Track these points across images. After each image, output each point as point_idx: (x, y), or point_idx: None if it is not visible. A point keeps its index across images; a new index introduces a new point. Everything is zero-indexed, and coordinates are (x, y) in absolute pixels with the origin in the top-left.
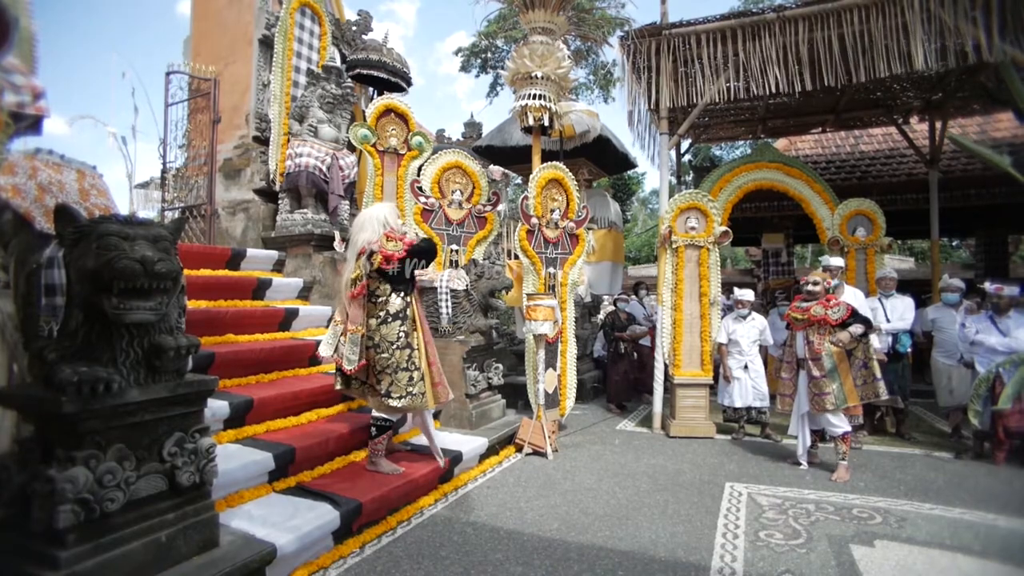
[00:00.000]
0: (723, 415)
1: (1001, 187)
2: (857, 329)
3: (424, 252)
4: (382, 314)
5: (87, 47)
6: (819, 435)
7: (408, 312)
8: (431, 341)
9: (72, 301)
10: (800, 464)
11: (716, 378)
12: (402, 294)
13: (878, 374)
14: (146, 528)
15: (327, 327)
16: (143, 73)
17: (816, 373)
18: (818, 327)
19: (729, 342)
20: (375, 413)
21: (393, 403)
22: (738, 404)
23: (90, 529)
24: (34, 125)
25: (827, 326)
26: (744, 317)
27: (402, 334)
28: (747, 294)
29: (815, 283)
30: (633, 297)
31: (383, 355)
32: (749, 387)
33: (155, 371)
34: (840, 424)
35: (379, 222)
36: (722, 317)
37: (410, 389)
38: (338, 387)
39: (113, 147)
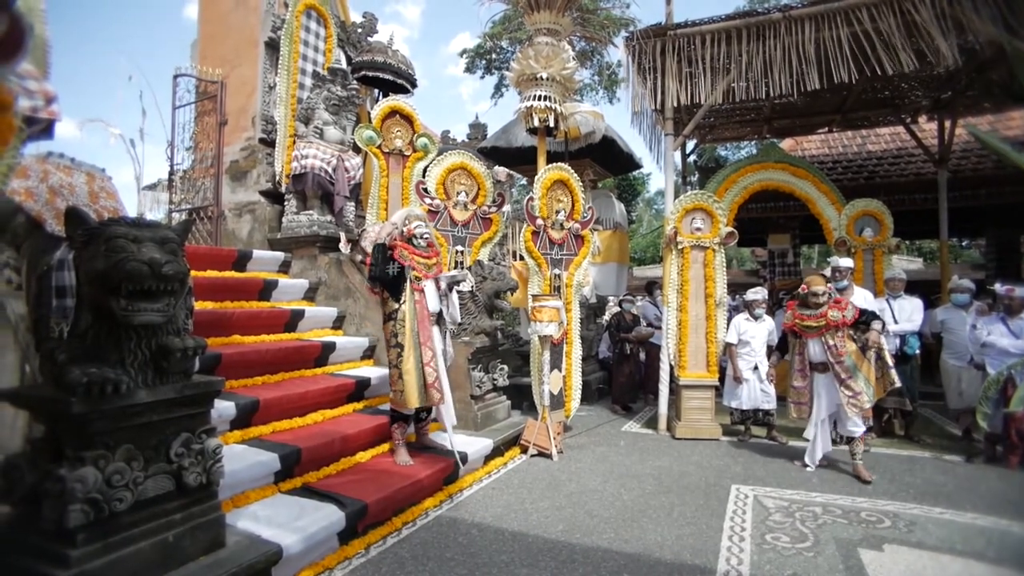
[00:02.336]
0: (730, 417)
1: (1012, 186)
2: (878, 324)
3: (372, 276)
4: (383, 314)
5: (96, 51)
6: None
7: (398, 314)
8: (428, 343)
9: (82, 303)
10: (808, 467)
11: (722, 379)
12: (394, 298)
13: (890, 362)
14: (154, 528)
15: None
16: (151, 76)
17: (844, 376)
18: (835, 330)
19: (739, 343)
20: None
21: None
22: (746, 406)
23: (99, 528)
24: (46, 129)
25: (843, 328)
26: (757, 318)
27: (394, 333)
28: (761, 293)
29: (821, 292)
30: (646, 297)
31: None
32: (757, 389)
33: (162, 372)
34: (861, 424)
35: (391, 226)
36: (729, 318)
37: (394, 386)
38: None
39: (116, 148)
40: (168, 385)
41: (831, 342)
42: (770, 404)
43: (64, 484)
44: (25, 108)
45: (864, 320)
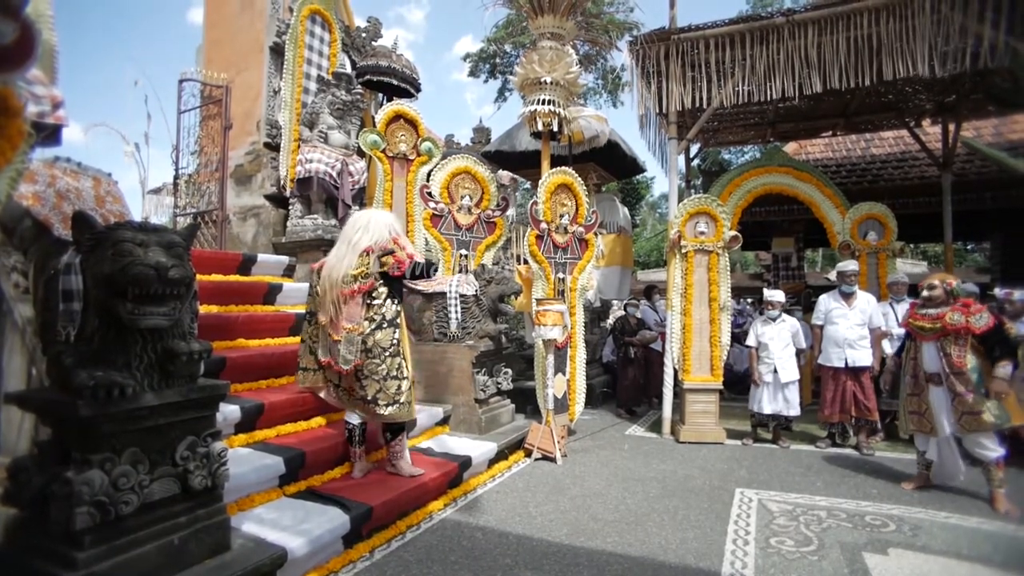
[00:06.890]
0: (751, 420)
1: (1017, 189)
2: (1006, 371)
3: (423, 270)
4: (377, 319)
5: (101, 55)
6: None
7: (399, 320)
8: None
9: (88, 306)
10: (919, 488)
11: (727, 383)
12: (396, 301)
13: None
14: (159, 531)
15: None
16: (156, 81)
17: (960, 389)
18: (955, 337)
19: (759, 345)
20: (386, 417)
21: (380, 411)
22: (767, 410)
23: (106, 531)
24: (53, 135)
25: (967, 335)
26: (774, 319)
27: (395, 342)
28: (777, 295)
29: (932, 287)
30: (645, 301)
31: (374, 360)
32: (779, 394)
33: (168, 376)
34: (993, 447)
35: (386, 226)
36: (733, 322)
37: (398, 398)
38: (303, 385)
39: (121, 151)
40: (174, 389)
41: (947, 349)
42: (793, 412)
43: (71, 486)
44: (33, 113)
45: (998, 339)
